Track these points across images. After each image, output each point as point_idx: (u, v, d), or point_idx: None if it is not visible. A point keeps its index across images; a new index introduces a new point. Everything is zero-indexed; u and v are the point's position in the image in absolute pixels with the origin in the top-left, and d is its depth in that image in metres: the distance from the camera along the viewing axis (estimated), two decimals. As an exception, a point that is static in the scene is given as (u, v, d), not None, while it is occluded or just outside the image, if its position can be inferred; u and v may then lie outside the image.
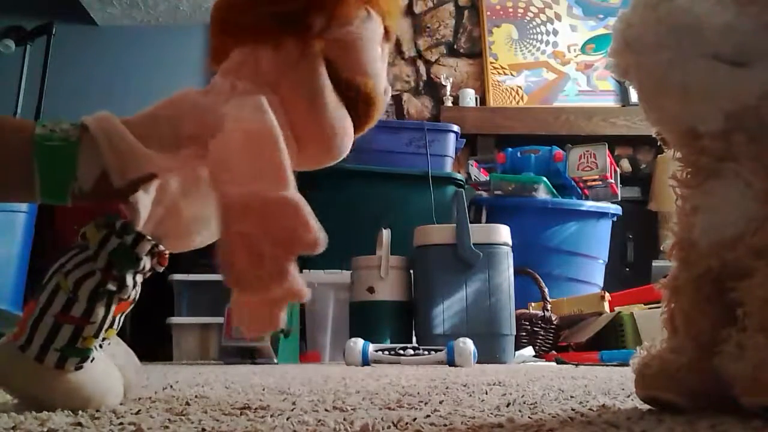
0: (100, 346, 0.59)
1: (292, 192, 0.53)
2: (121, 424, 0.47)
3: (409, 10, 3.26)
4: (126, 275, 0.56)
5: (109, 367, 0.60)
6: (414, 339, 1.89)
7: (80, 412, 0.53)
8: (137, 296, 0.63)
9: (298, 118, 0.63)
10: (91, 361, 0.57)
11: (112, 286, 0.56)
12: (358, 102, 0.65)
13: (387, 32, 0.69)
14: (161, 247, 0.59)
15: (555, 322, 2.06)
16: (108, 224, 0.56)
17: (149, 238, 0.57)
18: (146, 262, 0.58)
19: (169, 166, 0.57)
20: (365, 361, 1.55)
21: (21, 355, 0.54)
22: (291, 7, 0.62)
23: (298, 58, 0.63)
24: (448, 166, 2.52)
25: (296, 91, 0.63)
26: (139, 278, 0.59)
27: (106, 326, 0.57)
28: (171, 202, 0.59)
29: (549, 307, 2.08)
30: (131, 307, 0.63)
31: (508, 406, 0.59)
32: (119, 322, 0.63)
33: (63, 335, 0.55)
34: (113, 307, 0.57)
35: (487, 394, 0.72)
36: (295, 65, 0.63)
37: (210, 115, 0.57)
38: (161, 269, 0.62)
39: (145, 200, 0.57)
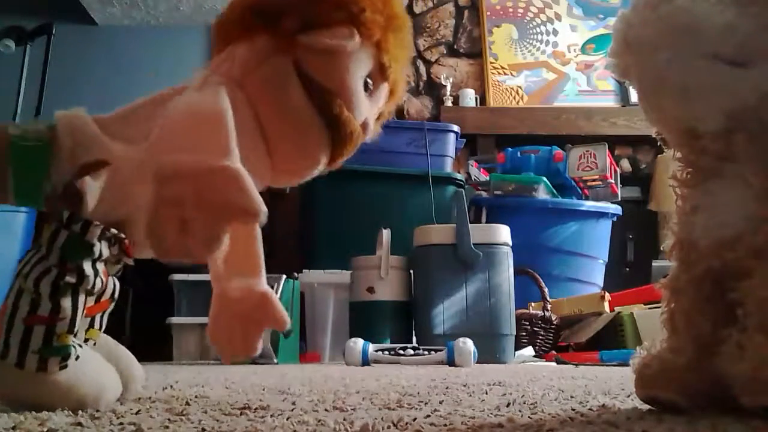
0: (81, 346, 0.58)
1: (233, 162, 0.51)
2: (121, 424, 0.47)
3: (409, 10, 3.26)
4: (83, 264, 0.56)
5: (102, 364, 0.59)
6: (414, 339, 1.89)
7: (80, 412, 0.53)
8: (116, 292, 0.62)
9: (266, 116, 0.62)
10: (77, 359, 0.56)
11: (71, 278, 0.55)
12: (327, 124, 0.63)
13: (384, 70, 0.67)
14: (114, 231, 0.57)
15: (555, 322, 2.06)
16: (56, 219, 0.56)
17: (97, 223, 0.56)
18: (102, 249, 0.57)
19: (125, 156, 0.57)
20: (365, 361, 1.55)
21: (2, 363, 0.54)
22: (267, 2, 0.62)
23: (268, 54, 0.62)
24: (448, 166, 2.52)
25: (263, 87, 0.62)
26: (101, 267, 0.57)
27: (78, 320, 0.56)
28: (124, 186, 0.57)
29: (549, 307, 2.08)
30: (112, 305, 0.62)
31: (508, 406, 0.59)
32: (102, 322, 0.62)
33: (36, 337, 0.54)
34: (81, 299, 0.56)
35: (487, 394, 0.72)
36: (265, 61, 0.62)
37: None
38: (130, 261, 0.61)
39: (93, 186, 0.56)
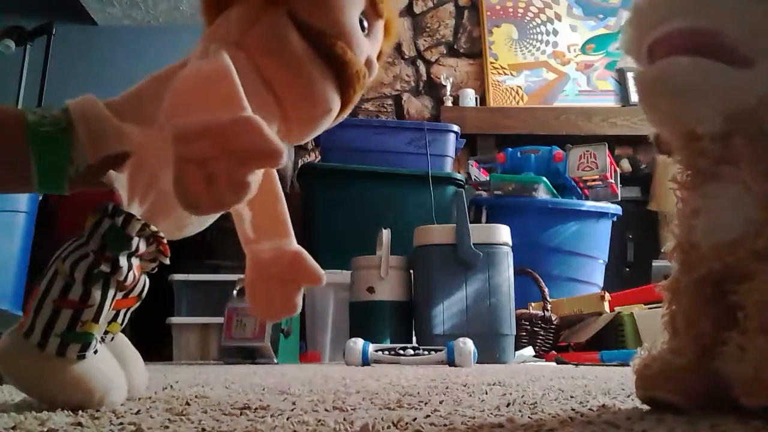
0: (103, 340, 0.58)
1: (295, 244, 0.59)
2: (121, 424, 0.47)
3: (409, 10, 3.26)
4: (119, 256, 0.56)
5: (113, 364, 0.60)
6: (414, 339, 1.90)
7: (80, 411, 0.53)
8: (144, 290, 0.62)
9: (270, 71, 0.62)
10: (95, 353, 0.56)
11: (105, 268, 0.56)
12: (328, 64, 0.62)
13: (376, 6, 0.66)
14: (154, 228, 0.58)
15: (555, 322, 2.06)
16: (101, 209, 0.57)
17: (139, 218, 0.57)
18: (140, 244, 0.57)
19: (144, 142, 0.57)
20: (365, 361, 1.55)
21: (24, 342, 0.54)
22: None
23: (261, 10, 0.62)
24: (448, 166, 2.52)
25: (261, 44, 0.62)
26: (135, 261, 0.58)
27: (105, 311, 0.56)
28: (150, 176, 0.58)
29: (549, 307, 2.08)
30: (138, 303, 0.63)
31: (508, 406, 0.59)
32: (124, 319, 0.63)
33: (62, 320, 0.54)
34: (111, 292, 0.56)
35: (487, 394, 0.72)
36: (260, 17, 0.62)
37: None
38: (166, 260, 0.61)
39: (120, 179, 0.57)
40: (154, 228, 0.58)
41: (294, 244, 0.67)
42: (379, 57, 0.71)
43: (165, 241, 0.60)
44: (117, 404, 0.58)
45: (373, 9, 0.67)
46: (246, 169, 0.49)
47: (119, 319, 0.63)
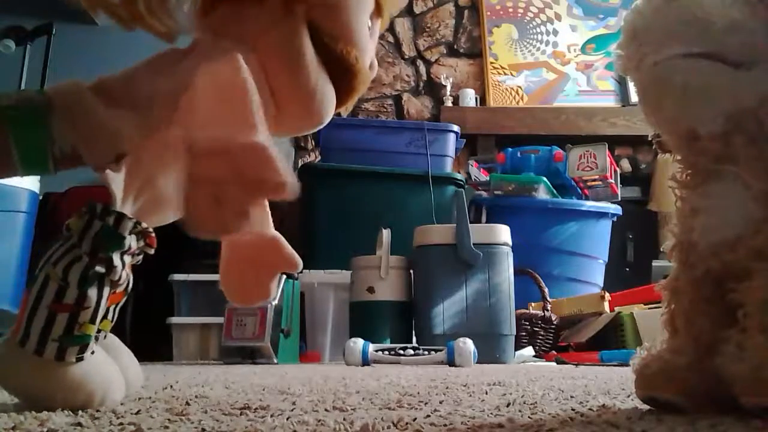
0: (96, 339, 0.58)
1: (262, 137, 0.55)
2: (121, 424, 0.47)
3: (409, 10, 3.26)
4: (113, 256, 0.56)
5: (110, 362, 0.59)
6: (414, 339, 1.89)
7: (80, 411, 0.53)
8: (129, 285, 0.61)
9: (277, 78, 0.62)
10: (92, 353, 0.56)
11: (100, 268, 0.55)
12: (339, 71, 0.63)
13: (379, 7, 0.67)
14: (144, 225, 0.58)
15: (555, 322, 2.06)
16: (89, 210, 0.56)
17: (130, 216, 0.56)
18: (131, 242, 0.57)
19: (139, 139, 0.56)
20: (365, 361, 1.55)
21: (21, 350, 0.54)
22: None
23: (280, 17, 0.62)
24: (448, 166, 2.52)
25: (276, 50, 0.62)
26: (127, 259, 0.58)
27: (101, 311, 0.56)
28: (146, 175, 0.58)
29: (549, 307, 2.08)
30: (124, 298, 0.62)
31: (508, 406, 0.59)
32: (114, 315, 0.62)
33: (59, 324, 0.54)
34: (106, 291, 0.56)
35: (487, 394, 0.72)
36: (277, 24, 0.62)
37: (187, 74, 0.57)
38: (151, 251, 0.60)
39: (117, 179, 0.56)
40: (144, 225, 0.58)
41: (273, 231, 0.65)
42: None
43: (153, 234, 0.59)
44: (117, 402, 0.58)
45: (376, 10, 0.67)
46: (255, 199, 0.49)
47: (109, 316, 0.62)
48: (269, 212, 0.67)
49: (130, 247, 0.57)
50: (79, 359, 0.55)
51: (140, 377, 0.69)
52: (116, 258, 0.56)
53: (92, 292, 0.55)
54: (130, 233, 0.57)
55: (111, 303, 0.61)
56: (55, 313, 0.54)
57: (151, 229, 0.59)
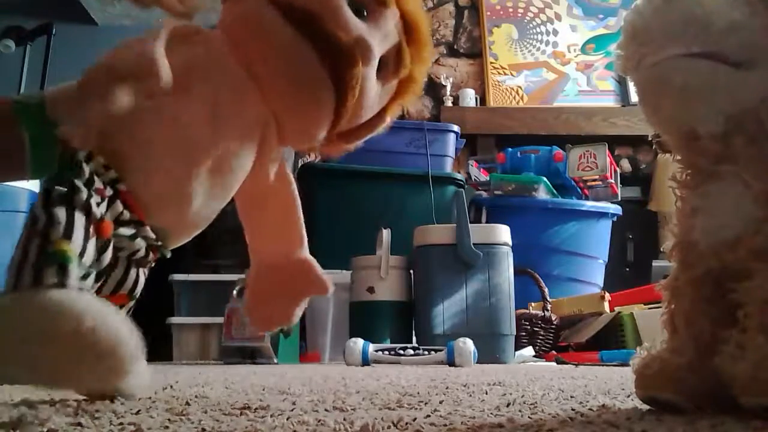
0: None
1: (306, 253, 0.64)
2: (121, 424, 0.47)
3: (409, 10, 3.26)
4: (73, 180, 0.53)
5: (124, 321, 0.51)
6: (414, 339, 1.89)
7: (80, 411, 0.53)
8: (136, 291, 0.59)
9: (254, 56, 0.60)
10: (80, 290, 0.50)
11: (61, 188, 0.52)
12: (323, 50, 0.58)
13: None
14: (114, 175, 0.55)
15: (555, 322, 2.06)
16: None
17: (102, 161, 0.55)
18: (96, 180, 0.54)
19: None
20: (365, 361, 1.55)
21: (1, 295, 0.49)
22: None
23: None
24: (448, 166, 2.52)
25: (242, 26, 0.61)
26: (97, 199, 0.54)
27: (78, 234, 0.51)
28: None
29: (549, 307, 2.08)
30: (131, 302, 0.61)
31: (508, 406, 0.59)
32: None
33: (33, 251, 0.49)
34: (79, 215, 0.52)
35: (487, 394, 0.72)
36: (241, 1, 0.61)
37: (142, 57, 0.57)
38: (150, 235, 0.58)
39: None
40: (114, 174, 0.55)
41: (304, 252, 0.65)
42: (411, 82, 0.67)
43: (124, 189, 0.56)
44: (125, 352, 0.48)
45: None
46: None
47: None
48: (303, 232, 0.67)
49: (93, 181, 0.54)
50: (61, 285, 0.48)
51: (146, 376, 0.67)
52: (78, 183, 0.53)
53: (60, 211, 0.51)
54: (94, 171, 0.54)
55: (114, 303, 0.60)
56: (28, 242, 0.50)
57: (125, 188, 0.56)
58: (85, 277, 0.53)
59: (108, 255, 0.56)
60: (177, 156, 0.57)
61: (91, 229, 0.53)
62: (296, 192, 0.67)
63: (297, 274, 0.64)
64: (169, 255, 0.62)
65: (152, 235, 0.59)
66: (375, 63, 0.62)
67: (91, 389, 0.57)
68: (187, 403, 0.62)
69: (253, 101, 0.61)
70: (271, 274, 0.65)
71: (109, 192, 0.55)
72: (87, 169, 0.54)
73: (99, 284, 0.58)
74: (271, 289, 0.64)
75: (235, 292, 1.87)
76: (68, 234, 0.50)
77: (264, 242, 0.66)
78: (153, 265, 0.63)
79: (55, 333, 0.45)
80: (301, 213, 0.67)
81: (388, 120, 0.69)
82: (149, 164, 0.57)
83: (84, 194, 0.53)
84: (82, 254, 0.51)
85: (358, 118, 0.65)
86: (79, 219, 0.52)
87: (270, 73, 0.60)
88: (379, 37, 0.62)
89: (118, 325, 0.48)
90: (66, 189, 0.52)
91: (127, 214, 0.57)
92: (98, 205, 0.54)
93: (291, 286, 0.64)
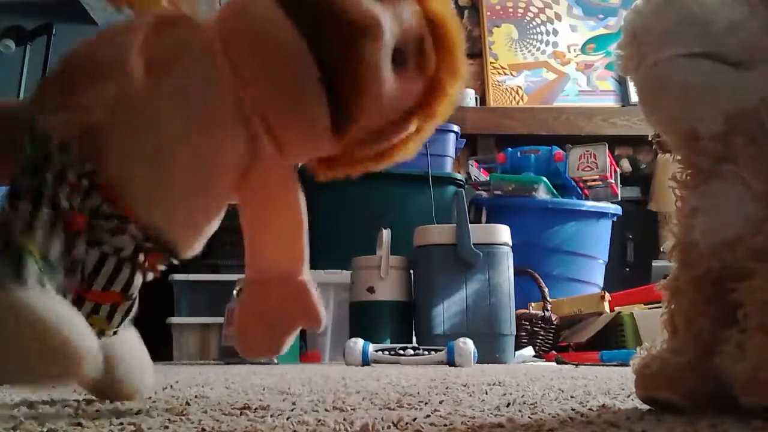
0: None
1: (306, 274, 0.62)
2: (121, 424, 0.47)
3: (409, 10, 3.26)
4: (43, 173, 0.50)
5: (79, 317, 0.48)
6: (414, 339, 1.89)
7: (80, 411, 0.53)
8: (131, 289, 0.56)
9: (243, 56, 0.57)
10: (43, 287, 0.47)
11: (28, 180, 0.50)
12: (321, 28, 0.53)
13: None
14: (89, 167, 0.53)
15: (555, 322, 2.06)
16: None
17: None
18: (68, 168, 0.52)
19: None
20: (365, 361, 1.55)
21: None
22: None
23: None
24: (448, 166, 2.52)
25: (235, 20, 0.59)
26: (72, 177, 0.52)
27: (41, 224, 0.49)
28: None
29: (549, 307, 2.08)
30: (127, 303, 0.58)
31: (508, 406, 0.59)
32: (113, 318, 0.57)
33: None
34: (44, 205, 0.49)
35: (487, 394, 0.72)
36: None
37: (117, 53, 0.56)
38: (133, 228, 0.55)
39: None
40: (90, 167, 0.53)
41: (304, 274, 0.62)
42: (442, 93, 0.61)
43: (117, 196, 0.54)
44: (93, 369, 0.45)
45: None
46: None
47: (102, 313, 0.56)
48: (306, 251, 0.64)
49: (65, 174, 0.51)
50: (18, 281, 0.44)
51: (149, 380, 0.66)
52: (48, 175, 0.50)
53: (23, 204, 0.49)
54: (68, 163, 0.52)
55: (103, 301, 0.56)
56: None
57: (102, 181, 0.53)
58: (50, 270, 0.49)
59: (81, 248, 0.53)
60: (148, 147, 0.54)
61: (59, 223, 0.50)
62: (304, 207, 0.65)
63: (292, 298, 0.61)
64: (175, 261, 0.61)
65: (137, 233, 0.56)
66: (388, 47, 0.56)
67: (43, 385, 0.57)
68: (187, 403, 0.62)
69: (228, 91, 0.57)
70: (266, 295, 0.61)
71: (84, 183, 0.53)
72: (57, 161, 0.51)
73: (86, 279, 0.54)
74: (263, 312, 0.61)
75: (235, 292, 1.87)
76: (30, 227, 0.48)
77: (263, 256, 0.63)
78: (159, 268, 0.61)
79: (3, 332, 0.43)
80: (307, 229, 0.65)
81: (413, 128, 0.63)
82: (123, 157, 0.54)
83: (50, 186, 0.50)
84: (45, 248, 0.49)
85: (373, 111, 0.60)
86: (44, 212, 0.49)
87: (255, 71, 0.57)
88: (390, 17, 0.56)
89: (72, 324, 0.45)
90: (33, 181, 0.50)
91: (106, 208, 0.55)
92: (69, 197, 0.52)
93: (284, 311, 0.60)
